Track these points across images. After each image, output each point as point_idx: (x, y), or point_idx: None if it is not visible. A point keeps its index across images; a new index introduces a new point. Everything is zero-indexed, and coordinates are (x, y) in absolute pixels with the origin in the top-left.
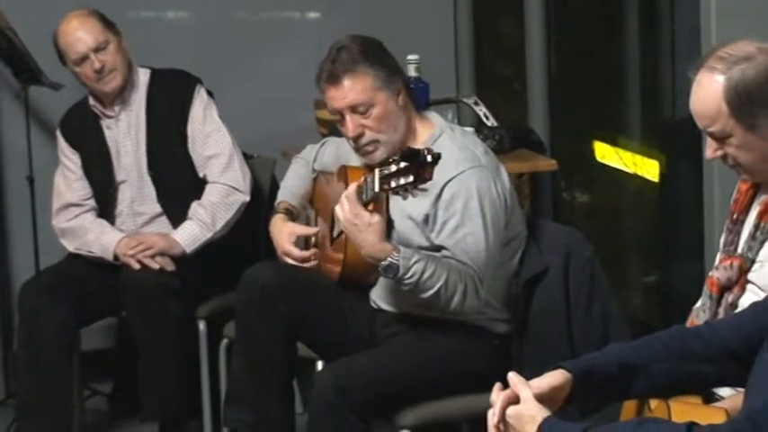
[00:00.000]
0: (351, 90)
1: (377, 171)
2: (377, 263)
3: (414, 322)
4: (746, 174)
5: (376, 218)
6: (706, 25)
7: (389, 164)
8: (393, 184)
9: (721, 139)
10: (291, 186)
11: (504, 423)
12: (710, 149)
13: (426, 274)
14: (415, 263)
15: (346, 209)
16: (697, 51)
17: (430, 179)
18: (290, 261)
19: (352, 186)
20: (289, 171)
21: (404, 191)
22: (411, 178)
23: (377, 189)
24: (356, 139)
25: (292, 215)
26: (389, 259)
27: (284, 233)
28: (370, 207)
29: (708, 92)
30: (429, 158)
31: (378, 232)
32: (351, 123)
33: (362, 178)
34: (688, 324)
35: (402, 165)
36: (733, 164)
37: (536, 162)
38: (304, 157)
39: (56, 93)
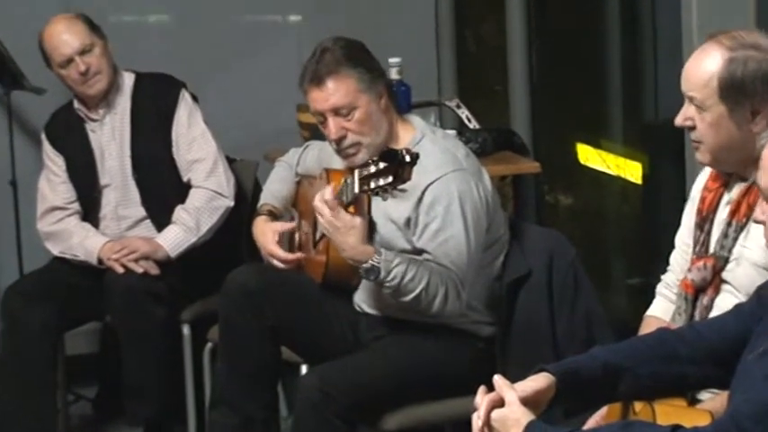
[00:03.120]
0: (334, 92)
1: (356, 172)
2: (358, 265)
3: (398, 326)
4: (705, 155)
5: (357, 220)
6: (687, 27)
7: (368, 165)
8: (373, 185)
9: (697, 108)
10: (274, 189)
11: (488, 427)
12: (682, 116)
13: (407, 277)
14: (397, 266)
15: (326, 212)
16: (679, 53)
17: (409, 179)
18: (276, 262)
19: (329, 189)
20: (271, 174)
21: (383, 191)
22: (390, 179)
23: (356, 190)
24: (338, 141)
25: (275, 217)
26: (371, 262)
27: (268, 234)
28: (351, 209)
29: (706, 62)
30: (407, 158)
31: (359, 234)
32: (333, 126)
33: (342, 180)
34: (640, 332)
35: (381, 165)
36: (696, 139)
37: (519, 164)
38: (287, 160)
39: (39, 97)
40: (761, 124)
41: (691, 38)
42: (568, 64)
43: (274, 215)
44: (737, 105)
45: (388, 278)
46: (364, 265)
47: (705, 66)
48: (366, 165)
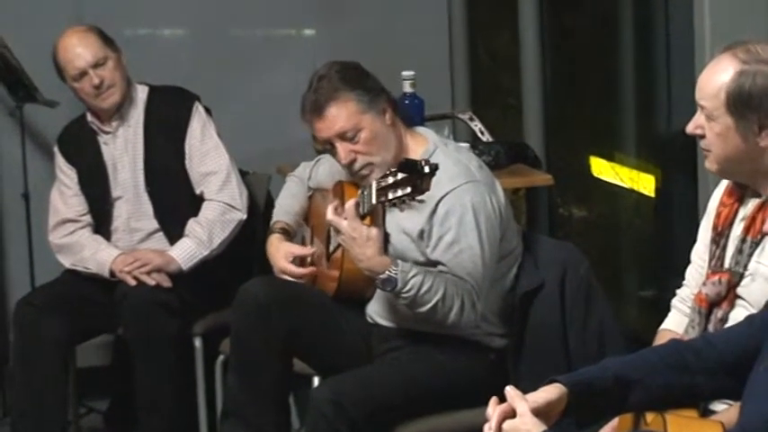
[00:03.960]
0: (336, 118)
1: (374, 183)
2: (375, 276)
3: (410, 337)
4: (713, 164)
5: (374, 231)
6: (700, 39)
7: (387, 176)
8: (390, 196)
9: (707, 118)
10: (286, 205)
11: None
12: (693, 124)
13: (424, 288)
14: (413, 276)
15: (343, 224)
16: (691, 65)
17: (428, 190)
18: (288, 278)
19: (351, 202)
20: (283, 190)
21: (401, 202)
22: (408, 189)
23: (374, 201)
24: (350, 165)
25: (288, 234)
26: (388, 272)
27: (281, 253)
28: (367, 220)
29: (719, 73)
30: (427, 169)
31: (376, 245)
32: (342, 151)
33: (359, 191)
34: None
35: (399, 176)
36: (705, 147)
37: (532, 177)
38: (298, 175)
39: (51, 110)
40: (767, 139)
41: (703, 51)
42: (582, 77)
43: (288, 233)
44: (744, 119)
45: (405, 289)
46: (381, 276)
47: (716, 77)
48: (385, 176)
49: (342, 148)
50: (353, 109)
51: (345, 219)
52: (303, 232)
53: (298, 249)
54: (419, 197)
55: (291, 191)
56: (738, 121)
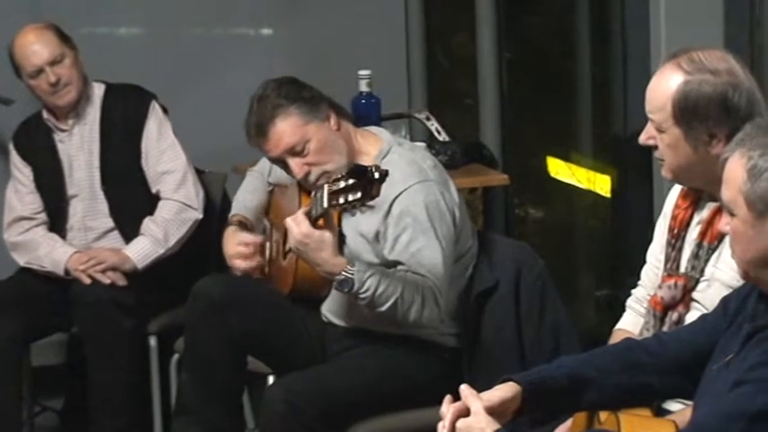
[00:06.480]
0: (281, 135)
1: (325, 187)
2: (332, 278)
3: (365, 337)
4: (667, 173)
5: (326, 234)
6: (656, 41)
7: (338, 180)
8: (342, 201)
9: (657, 129)
10: (244, 200)
11: None
12: (645, 134)
13: (382, 287)
14: (370, 276)
15: (294, 231)
16: (647, 67)
17: (377, 196)
18: (239, 264)
19: (302, 210)
20: (243, 184)
21: (352, 207)
22: (359, 195)
23: (325, 205)
24: (305, 177)
25: (246, 227)
26: (344, 273)
27: (233, 241)
28: (321, 222)
29: (663, 85)
30: (376, 175)
31: (330, 248)
32: (295, 167)
33: (312, 194)
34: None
35: (350, 181)
36: (659, 157)
37: (488, 177)
38: (258, 169)
39: (6, 108)
40: (718, 147)
41: (659, 53)
42: (539, 78)
43: (245, 226)
44: (692, 129)
45: (362, 289)
46: (338, 278)
47: (662, 88)
48: (336, 179)
49: (294, 163)
50: (296, 122)
51: (297, 227)
52: (264, 226)
53: (249, 238)
54: (369, 202)
55: (251, 186)
56: (687, 131)
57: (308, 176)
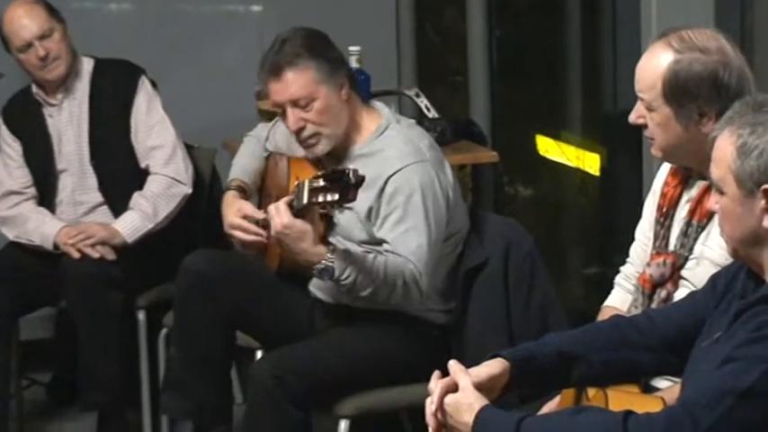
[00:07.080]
0: (292, 84)
1: (306, 182)
2: (312, 266)
3: (353, 313)
4: (657, 151)
5: (307, 226)
6: (646, 20)
7: (319, 177)
8: (321, 199)
9: (647, 108)
10: (243, 164)
11: (441, 411)
12: (635, 114)
13: (362, 274)
14: (350, 264)
15: (276, 221)
16: (638, 45)
17: (354, 200)
18: (237, 234)
19: (283, 200)
20: (240, 148)
21: (331, 207)
22: (336, 197)
23: (305, 201)
24: (297, 132)
25: (245, 192)
26: (324, 262)
27: (233, 208)
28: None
29: (654, 63)
30: (352, 181)
31: (310, 239)
32: (292, 117)
33: (296, 184)
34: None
35: (329, 182)
36: (648, 136)
37: (477, 154)
38: (255, 134)
39: None
40: (708, 125)
41: (650, 31)
42: (529, 55)
43: (244, 191)
44: (683, 108)
45: (342, 276)
46: (318, 266)
47: (652, 67)
48: (317, 176)
49: (292, 114)
50: (311, 78)
51: (279, 216)
52: (257, 199)
53: (250, 209)
54: (346, 205)
55: (248, 150)
56: (678, 110)
57: (301, 132)
